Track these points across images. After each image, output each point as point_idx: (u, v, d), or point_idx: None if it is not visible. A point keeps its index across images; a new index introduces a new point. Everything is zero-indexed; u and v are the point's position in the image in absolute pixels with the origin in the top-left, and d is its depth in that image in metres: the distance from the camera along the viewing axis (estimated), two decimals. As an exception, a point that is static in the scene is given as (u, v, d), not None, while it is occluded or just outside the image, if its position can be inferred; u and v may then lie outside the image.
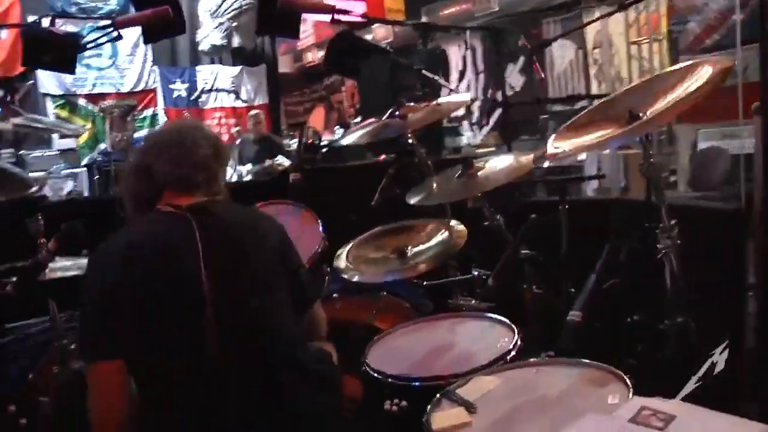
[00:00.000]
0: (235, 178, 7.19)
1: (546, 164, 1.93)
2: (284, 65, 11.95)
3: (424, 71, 2.79)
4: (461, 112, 9.66)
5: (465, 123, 9.91)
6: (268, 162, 7.07)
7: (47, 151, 8.50)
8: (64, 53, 2.44)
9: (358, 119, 9.74)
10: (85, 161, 9.04)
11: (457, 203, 2.40)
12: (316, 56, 11.07)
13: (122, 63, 9.56)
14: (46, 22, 2.52)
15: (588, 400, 1.45)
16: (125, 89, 9.62)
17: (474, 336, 2.04)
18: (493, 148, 7.13)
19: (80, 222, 1.98)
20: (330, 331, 2.43)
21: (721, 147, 5.27)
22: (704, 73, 1.59)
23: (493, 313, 2.09)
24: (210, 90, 10.51)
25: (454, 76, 10.96)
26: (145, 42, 2.79)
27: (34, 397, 2.02)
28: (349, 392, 1.83)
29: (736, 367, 1.77)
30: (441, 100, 2.69)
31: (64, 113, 9.18)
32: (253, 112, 8.23)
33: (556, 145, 1.78)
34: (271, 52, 10.92)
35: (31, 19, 8.56)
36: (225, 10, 9.67)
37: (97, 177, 8.63)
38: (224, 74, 10.53)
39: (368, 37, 8.36)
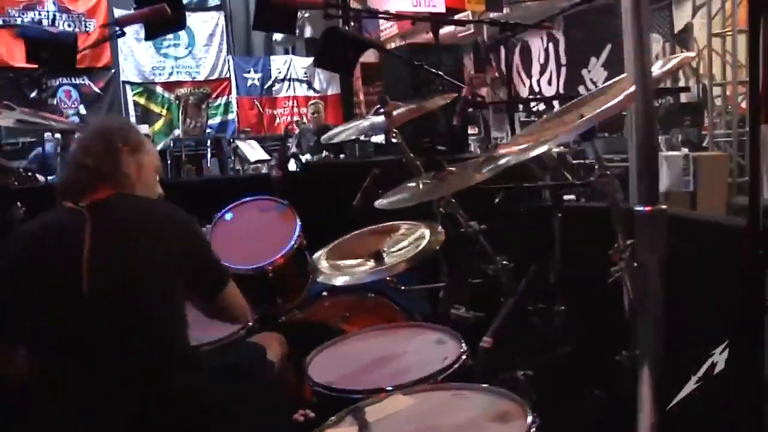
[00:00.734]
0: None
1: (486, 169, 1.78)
2: (366, 55, 11.95)
3: (425, 66, 2.67)
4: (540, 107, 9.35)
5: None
6: (326, 153, 7.11)
7: (123, 136, 8.90)
8: (60, 51, 2.51)
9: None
10: (159, 146, 9.44)
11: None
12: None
13: (198, 52, 9.90)
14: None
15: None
16: (200, 78, 9.97)
17: (422, 349, 1.94)
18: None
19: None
20: (304, 330, 2.43)
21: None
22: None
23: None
24: (283, 79, 10.71)
25: (535, 69, 10.64)
26: (146, 38, 2.84)
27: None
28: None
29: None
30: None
31: (141, 100, 9.66)
32: (312, 101, 8.30)
33: (503, 150, 1.65)
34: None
35: (117, 12, 9.05)
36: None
37: (168, 162, 9.01)
38: (297, 64, 10.70)
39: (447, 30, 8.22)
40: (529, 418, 1.33)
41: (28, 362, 1.51)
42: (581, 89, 8.97)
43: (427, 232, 2.34)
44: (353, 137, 2.58)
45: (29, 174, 5.33)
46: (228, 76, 10.17)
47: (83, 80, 9.13)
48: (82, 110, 9.17)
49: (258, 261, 2.42)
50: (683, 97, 7.28)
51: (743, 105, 6.49)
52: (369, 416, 1.48)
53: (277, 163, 2.86)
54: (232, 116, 10.40)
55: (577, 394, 1.76)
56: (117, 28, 2.76)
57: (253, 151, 8.04)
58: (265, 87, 10.56)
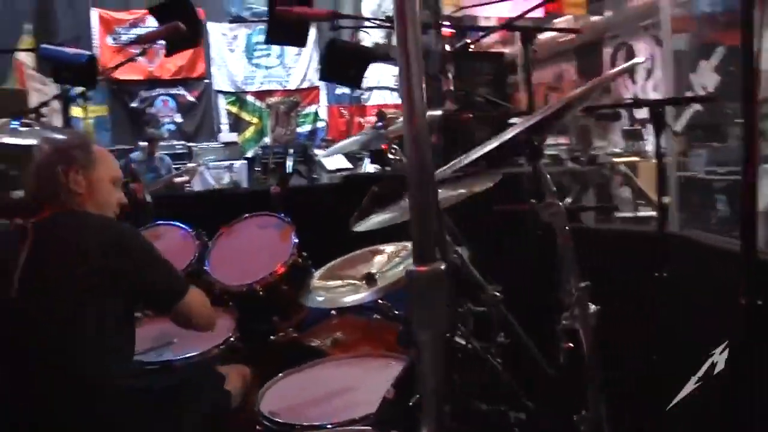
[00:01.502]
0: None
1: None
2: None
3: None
4: (644, 113, 8.80)
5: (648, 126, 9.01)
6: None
7: (212, 144, 9.32)
8: (79, 71, 2.60)
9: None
10: (250, 153, 9.77)
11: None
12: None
13: (289, 62, 10.15)
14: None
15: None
16: (291, 86, 10.21)
17: (382, 384, 1.82)
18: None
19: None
20: (290, 351, 2.37)
21: None
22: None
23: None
24: (373, 87, 10.75)
25: (641, 74, 10.03)
26: (167, 55, 2.90)
27: None
28: None
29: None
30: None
31: (234, 109, 10.03)
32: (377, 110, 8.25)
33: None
34: (438, 49, 10.86)
35: (211, 25, 9.49)
36: (385, 10, 9.82)
37: (258, 169, 9.30)
38: (387, 72, 10.71)
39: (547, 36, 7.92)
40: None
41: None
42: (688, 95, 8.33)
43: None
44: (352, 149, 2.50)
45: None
46: (317, 84, 10.34)
47: (179, 90, 9.62)
48: (178, 119, 9.67)
49: (249, 278, 2.38)
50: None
51: None
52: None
53: (278, 179, 2.81)
54: (321, 124, 10.58)
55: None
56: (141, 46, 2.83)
57: (331, 159, 8.12)
58: (354, 95, 10.64)
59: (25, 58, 7.28)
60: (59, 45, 2.77)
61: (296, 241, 2.49)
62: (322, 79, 2.74)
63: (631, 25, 9.26)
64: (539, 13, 8.27)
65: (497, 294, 2.08)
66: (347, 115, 10.60)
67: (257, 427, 1.72)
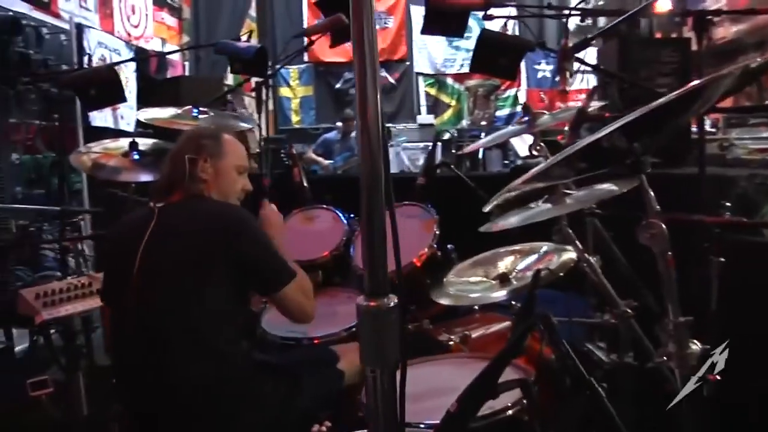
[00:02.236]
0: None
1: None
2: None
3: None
4: None
5: None
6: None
7: (409, 125, 9.56)
8: (251, 62, 2.80)
9: None
10: (446, 136, 9.85)
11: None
12: (729, 31, 9.61)
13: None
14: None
15: None
16: (558, 78, 10.05)
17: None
18: None
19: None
20: (415, 343, 2.39)
21: None
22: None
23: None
24: (577, 71, 10.21)
25: None
26: (331, 46, 3.02)
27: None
28: None
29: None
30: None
31: (432, 91, 10.18)
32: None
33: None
34: (648, 30, 9.99)
35: (413, 8, 9.69)
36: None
37: (453, 151, 9.36)
38: (592, 54, 10.10)
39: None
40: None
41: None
42: None
43: (558, 257, 2.14)
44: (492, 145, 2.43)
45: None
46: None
47: (381, 72, 9.97)
48: (379, 100, 10.06)
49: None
50: None
51: None
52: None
53: (422, 169, 2.80)
54: (520, 108, 10.33)
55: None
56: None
57: (524, 145, 7.91)
58: (556, 79, 10.20)
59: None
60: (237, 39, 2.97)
61: (438, 233, 2.48)
62: (471, 70, 2.66)
63: None
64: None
65: (628, 310, 1.90)
66: (546, 100, 10.22)
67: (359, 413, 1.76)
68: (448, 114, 10.20)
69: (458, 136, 9.27)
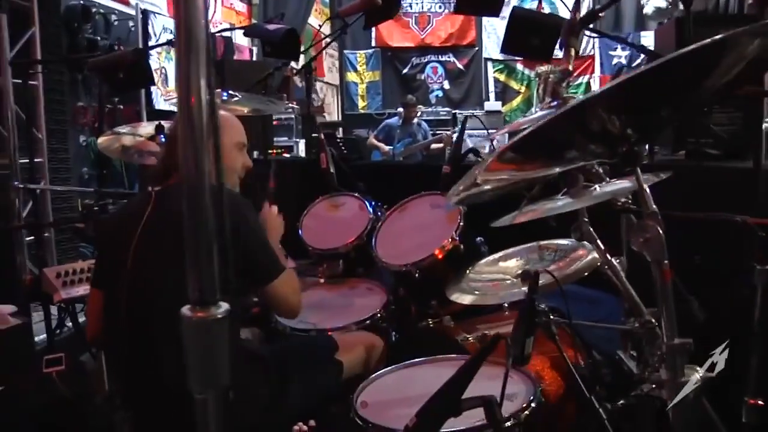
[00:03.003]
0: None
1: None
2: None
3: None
4: None
5: None
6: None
7: (476, 112, 9.32)
8: (280, 45, 2.73)
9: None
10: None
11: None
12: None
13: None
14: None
15: None
16: (561, 55, 9.67)
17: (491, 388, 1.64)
18: None
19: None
20: (429, 340, 2.28)
21: None
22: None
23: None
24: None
25: None
26: (365, 28, 2.92)
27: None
28: None
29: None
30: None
31: (501, 77, 9.89)
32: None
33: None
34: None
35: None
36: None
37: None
38: (650, 38, 9.54)
39: None
40: None
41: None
42: None
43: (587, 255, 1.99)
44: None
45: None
46: (592, 54, 9.65)
47: (449, 57, 9.79)
48: (446, 85, 9.87)
49: (407, 259, 2.32)
50: None
51: None
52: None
53: (448, 158, 2.66)
54: (593, 95, 9.89)
55: None
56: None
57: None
58: (633, 66, 9.70)
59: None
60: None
61: (462, 224, 2.35)
62: (503, 51, 2.49)
63: None
64: None
65: (652, 320, 1.72)
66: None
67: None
68: (517, 101, 9.90)
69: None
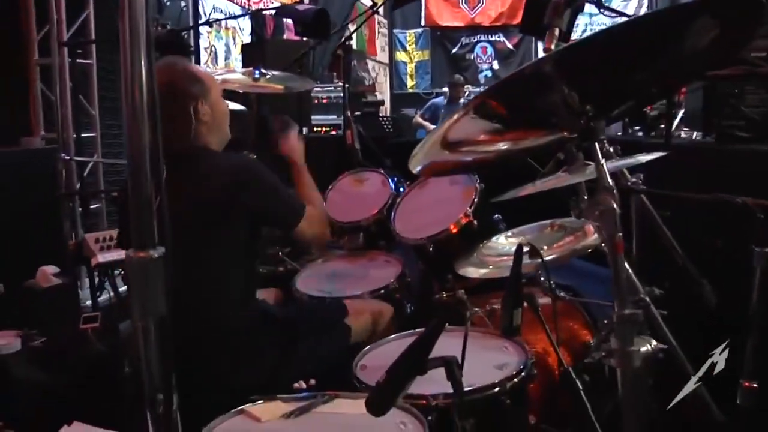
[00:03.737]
0: None
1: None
2: None
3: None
4: None
5: None
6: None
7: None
8: (311, 25, 2.80)
9: None
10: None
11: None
12: None
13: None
14: None
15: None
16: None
17: (479, 367, 1.71)
18: None
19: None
20: (441, 312, 2.35)
21: None
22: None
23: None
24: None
25: None
26: (392, 9, 2.96)
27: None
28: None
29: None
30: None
31: (552, 57, 9.70)
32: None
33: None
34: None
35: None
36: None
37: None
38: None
39: None
40: None
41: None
42: None
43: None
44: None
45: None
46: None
47: (499, 37, 9.68)
48: (495, 65, 9.78)
49: (422, 233, 2.39)
50: None
51: None
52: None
53: None
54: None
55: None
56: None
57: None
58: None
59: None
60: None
61: (476, 200, 2.40)
62: (521, 32, 2.50)
63: None
64: None
65: (646, 298, 1.74)
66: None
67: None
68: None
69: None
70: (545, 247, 2.11)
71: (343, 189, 2.81)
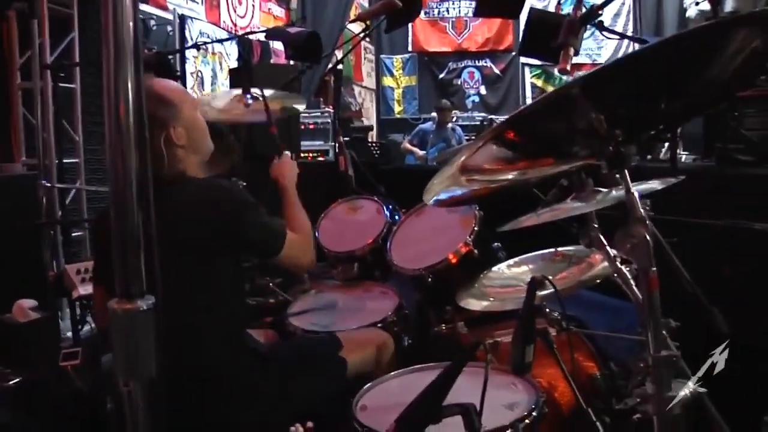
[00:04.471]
0: None
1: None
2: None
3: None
4: None
5: None
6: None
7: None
8: (302, 48, 2.74)
9: None
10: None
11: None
12: None
13: (600, 34, 9.44)
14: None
15: None
16: (600, 60, 9.53)
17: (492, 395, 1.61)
18: None
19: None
20: (440, 347, 2.25)
21: None
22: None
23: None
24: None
25: None
26: (386, 31, 2.90)
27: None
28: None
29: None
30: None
31: (539, 82, 9.77)
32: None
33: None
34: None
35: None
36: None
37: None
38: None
39: None
40: None
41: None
42: None
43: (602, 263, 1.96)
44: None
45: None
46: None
47: (486, 62, 9.72)
48: (483, 91, 9.80)
49: (420, 263, 2.30)
50: None
51: None
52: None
53: None
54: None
55: None
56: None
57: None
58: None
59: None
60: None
61: (476, 229, 2.32)
62: (520, 54, 2.45)
63: None
64: None
65: (663, 331, 1.66)
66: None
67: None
68: (556, 106, 9.77)
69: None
70: (550, 278, 2.03)
71: (336, 217, 2.73)
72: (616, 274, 1.72)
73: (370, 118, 9.50)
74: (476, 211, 2.39)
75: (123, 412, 0.58)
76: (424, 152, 7.01)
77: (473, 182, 1.05)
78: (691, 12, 8.87)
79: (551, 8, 9.01)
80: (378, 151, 6.13)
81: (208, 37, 6.17)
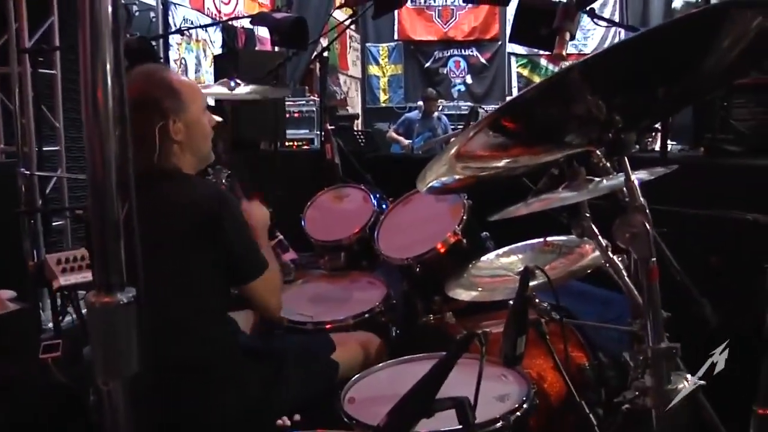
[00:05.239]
0: None
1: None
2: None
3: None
4: None
5: None
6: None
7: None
8: (288, 34, 2.69)
9: None
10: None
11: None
12: None
13: (587, 25, 9.43)
14: None
15: None
16: (587, 50, 9.52)
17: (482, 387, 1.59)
18: None
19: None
20: (430, 339, 2.23)
21: None
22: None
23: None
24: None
25: None
26: (373, 17, 2.85)
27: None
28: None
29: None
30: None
31: (525, 72, 9.75)
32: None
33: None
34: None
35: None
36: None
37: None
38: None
39: None
40: None
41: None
42: None
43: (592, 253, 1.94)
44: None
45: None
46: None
47: (472, 51, 9.69)
48: (469, 80, 9.77)
49: (408, 253, 2.28)
50: None
51: None
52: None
53: None
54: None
55: None
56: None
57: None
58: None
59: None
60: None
61: (465, 218, 2.29)
62: (511, 41, 2.43)
63: None
64: None
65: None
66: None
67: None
68: (542, 96, 9.77)
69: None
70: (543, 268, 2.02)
71: (322, 206, 2.69)
72: (608, 265, 1.72)
73: (354, 106, 9.44)
74: (465, 200, 2.36)
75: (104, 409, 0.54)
76: (410, 141, 6.97)
77: (468, 169, 1.02)
78: (677, 3, 8.89)
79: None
80: (363, 140, 6.08)
81: (192, 23, 6.06)
